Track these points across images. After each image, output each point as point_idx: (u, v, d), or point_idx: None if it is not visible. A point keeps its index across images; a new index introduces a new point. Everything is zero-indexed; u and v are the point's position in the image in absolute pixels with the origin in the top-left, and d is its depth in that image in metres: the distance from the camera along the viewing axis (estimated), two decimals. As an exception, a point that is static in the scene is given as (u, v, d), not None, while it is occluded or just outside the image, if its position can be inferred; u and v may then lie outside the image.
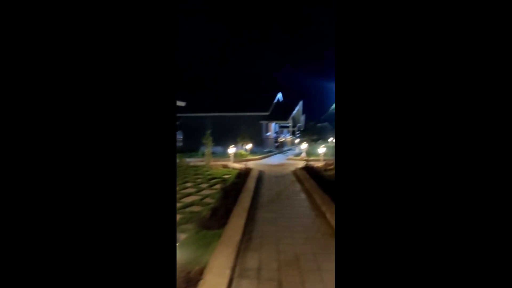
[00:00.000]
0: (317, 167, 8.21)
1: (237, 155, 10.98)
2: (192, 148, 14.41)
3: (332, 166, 8.26)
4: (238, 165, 9.17)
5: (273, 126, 18.37)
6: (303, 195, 5.35)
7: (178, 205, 4.46)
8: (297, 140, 18.59)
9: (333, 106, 27.86)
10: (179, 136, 16.63)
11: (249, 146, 12.68)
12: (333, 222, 3.48)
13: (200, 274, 2.20)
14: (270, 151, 14.57)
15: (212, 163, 9.36)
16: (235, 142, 11.92)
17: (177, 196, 5.00)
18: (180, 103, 11.47)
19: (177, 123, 16.25)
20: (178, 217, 3.81)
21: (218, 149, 12.90)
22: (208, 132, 9.31)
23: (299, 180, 6.84)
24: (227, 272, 2.24)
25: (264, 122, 15.97)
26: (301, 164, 9.32)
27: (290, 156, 12.66)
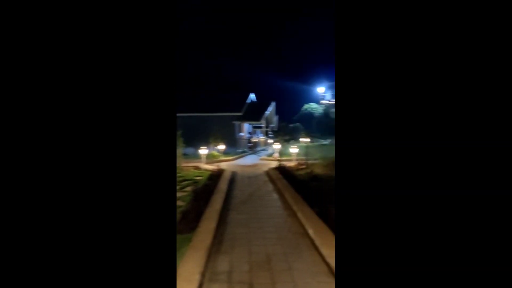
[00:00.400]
0: (290, 167, 8.34)
1: (209, 156, 10.81)
2: (163, 149, 13.87)
3: (304, 166, 8.44)
4: (210, 167, 9.03)
5: (246, 126, 18.37)
6: (275, 195, 5.39)
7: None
8: (270, 141, 18.77)
9: (305, 106, 28.58)
10: None
11: (221, 147, 12.54)
12: (303, 220, 3.54)
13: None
14: (243, 152, 14.53)
15: (183, 164, 9.11)
16: (207, 143, 11.71)
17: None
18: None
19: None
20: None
21: (190, 150, 12.59)
22: (179, 132, 9.05)
23: (271, 180, 6.89)
24: (196, 278, 2.17)
25: (237, 123, 15.91)
26: (274, 164, 9.41)
27: (263, 157, 12.74)
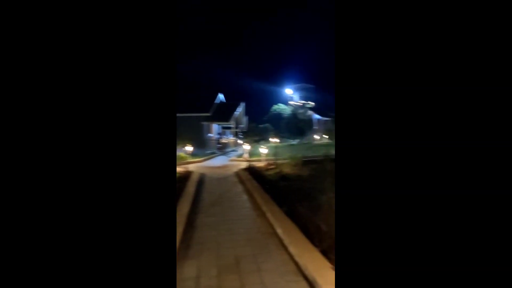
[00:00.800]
0: (259, 167, 8.37)
1: (177, 158, 10.47)
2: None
3: (273, 166, 8.53)
4: (177, 169, 8.75)
5: (215, 127, 18.14)
6: (245, 196, 5.37)
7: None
8: (240, 141, 18.74)
9: (274, 107, 28.99)
10: None
11: (189, 148, 12.23)
12: (272, 220, 3.56)
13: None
14: (212, 153, 14.32)
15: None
16: (174, 145, 11.31)
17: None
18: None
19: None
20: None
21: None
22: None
23: (241, 181, 6.86)
24: (161, 286, 2.06)
25: (205, 123, 15.63)
26: (243, 165, 9.38)
27: (233, 157, 12.66)
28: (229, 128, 19.90)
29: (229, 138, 19.51)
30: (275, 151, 10.57)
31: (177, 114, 14.96)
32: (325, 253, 2.46)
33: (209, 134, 16.41)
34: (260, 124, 25.76)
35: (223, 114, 16.51)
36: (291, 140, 21.31)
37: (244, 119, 21.55)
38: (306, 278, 2.27)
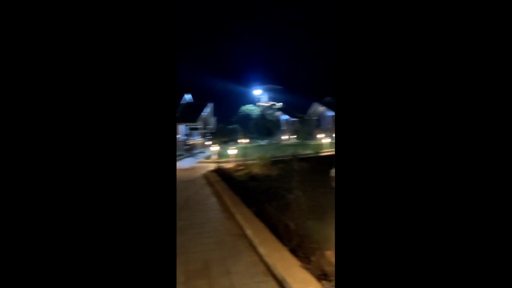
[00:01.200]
0: (228, 169, 8.30)
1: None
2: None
3: (242, 167, 8.52)
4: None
5: (182, 128, 17.64)
6: (213, 198, 5.29)
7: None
8: (208, 142, 18.45)
9: (242, 108, 29.01)
10: None
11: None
12: (242, 222, 3.54)
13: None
14: (180, 155, 13.92)
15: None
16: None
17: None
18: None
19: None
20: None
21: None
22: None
23: (209, 183, 6.75)
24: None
25: (172, 125, 15.13)
26: (212, 166, 9.25)
27: (201, 159, 12.43)
28: (196, 129, 19.49)
29: (197, 140, 19.12)
30: (244, 152, 10.58)
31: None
32: (293, 251, 2.50)
33: (176, 135, 15.93)
34: (228, 125, 25.61)
35: (190, 114, 16.14)
36: (260, 141, 21.49)
37: (212, 120, 21.28)
38: (275, 277, 2.29)
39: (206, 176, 7.67)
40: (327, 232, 2.57)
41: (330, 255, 2.33)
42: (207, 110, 17.62)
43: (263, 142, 20.75)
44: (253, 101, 31.06)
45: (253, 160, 8.82)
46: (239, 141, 17.99)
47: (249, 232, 3.19)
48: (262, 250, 2.69)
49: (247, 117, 27.70)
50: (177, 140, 15.82)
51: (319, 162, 7.00)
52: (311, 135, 21.96)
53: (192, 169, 9.83)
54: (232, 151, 10.87)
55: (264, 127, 25.76)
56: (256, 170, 7.31)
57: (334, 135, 17.36)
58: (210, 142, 17.69)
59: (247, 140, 18.45)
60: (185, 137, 18.02)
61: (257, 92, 32.26)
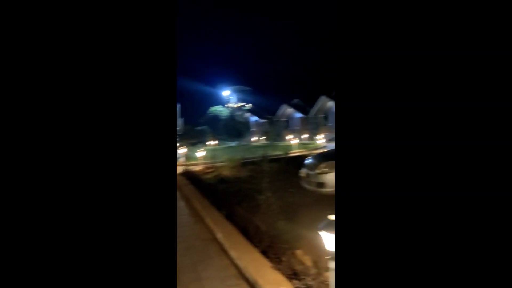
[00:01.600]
0: (197, 171, 8.13)
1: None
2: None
3: (211, 169, 8.39)
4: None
5: (148, 130, 16.91)
6: (182, 203, 5.14)
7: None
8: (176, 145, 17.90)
9: (211, 109, 28.63)
10: None
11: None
12: (212, 225, 3.48)
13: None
14: (145, 158, 13.29)
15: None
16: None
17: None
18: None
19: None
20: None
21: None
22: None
23: (177, 186, 6.54)
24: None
25: (136, 126, 14.43)
26: (180, 169, 8.98)
27: (168, 162, 11.99)
28: (163, 131, 18.80)
29: (164, 142, 18.47)
30: (213, 153, 10.44)
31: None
32: (264, 252, 2.52)
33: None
34: (196, 127, 25.11)
35: (157, 116, 15.52)
36: (229, 142, 21.37)
37: (180, 121, 20.71)
38: (247, 280, 2.29)
39: (174, 180, 7.42)
40: (297, 232, 2.63)
41: (300, 254, 2.38)
42: (174, 111, 17.10)
43: (233, 144, 20.67)
44: (222, 102, 30.79)
45: (222, 162, 8.72)
46: (207, 143, 17.73)
47: (219, 235, 3.15)
48: (233, 253, 2.67)
49: (216, 118, 27.38)
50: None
51: (289, 163, 7.13)
52: (280, 137, 22.35)
53: (158, 172, 9.45)
54: (200, 153, 10.66)
55: (233, 128, 25.66)
56: (225, 172, 7.24)
57: (301, 136, 17.90)
58: (178, 144, 17.21)
59: (216, 142, 18.26)
60: (151, 139, 17.30)
61: (226, 93, 32.07)
